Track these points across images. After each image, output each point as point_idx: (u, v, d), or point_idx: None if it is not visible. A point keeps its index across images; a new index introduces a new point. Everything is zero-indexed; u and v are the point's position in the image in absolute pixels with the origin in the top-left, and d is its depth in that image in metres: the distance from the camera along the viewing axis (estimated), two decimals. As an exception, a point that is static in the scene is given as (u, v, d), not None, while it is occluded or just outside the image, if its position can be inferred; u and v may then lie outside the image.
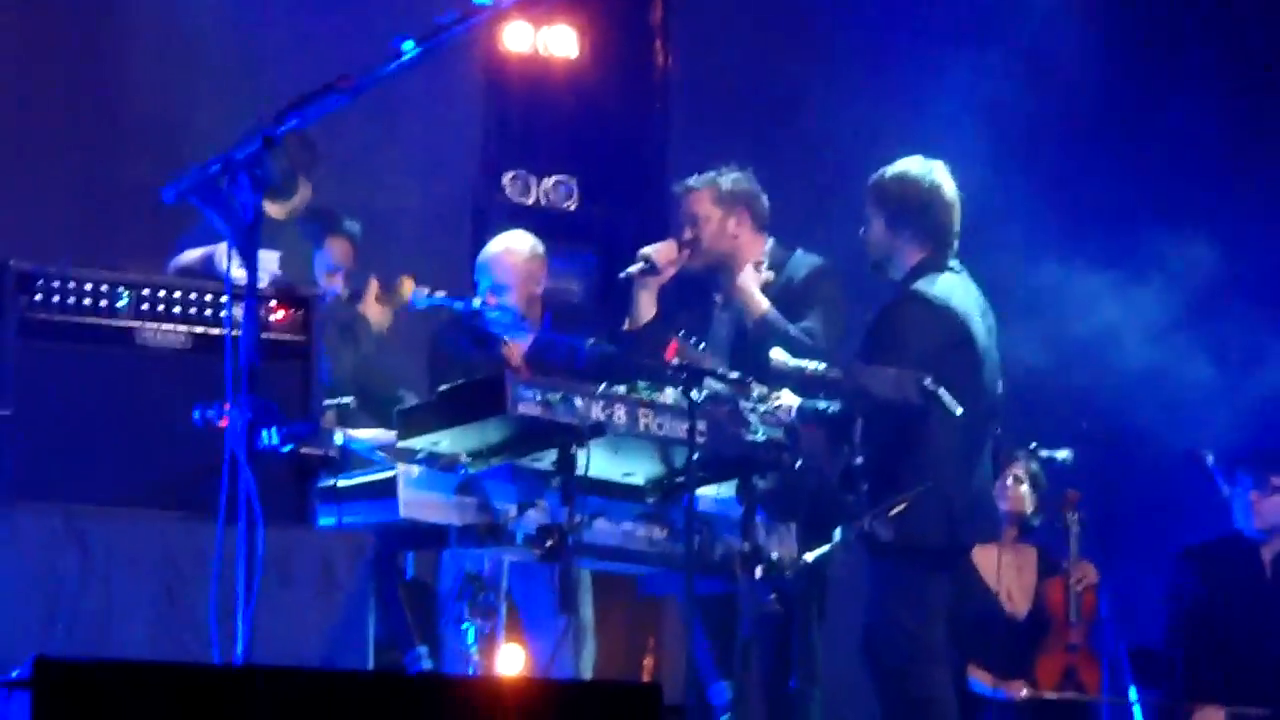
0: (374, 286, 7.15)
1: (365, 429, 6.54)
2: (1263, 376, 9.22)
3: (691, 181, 7.61)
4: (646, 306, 7.51)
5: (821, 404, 6.69)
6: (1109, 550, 8.39)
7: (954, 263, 6.86)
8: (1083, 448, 8.16)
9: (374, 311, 7.15)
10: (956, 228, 6.87)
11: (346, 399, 6.94)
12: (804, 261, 7.51)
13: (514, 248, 7.66)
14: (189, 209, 4.90)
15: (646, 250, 7.52)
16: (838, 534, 6.84)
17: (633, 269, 7.49)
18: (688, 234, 7.54)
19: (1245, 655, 8.33)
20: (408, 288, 7.17)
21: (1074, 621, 8.42)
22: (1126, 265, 9.36)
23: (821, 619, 7.07)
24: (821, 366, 6.79)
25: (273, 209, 6.96)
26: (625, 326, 7.50)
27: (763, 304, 7.35)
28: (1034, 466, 8.41)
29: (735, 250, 7.48)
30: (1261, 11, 9.87)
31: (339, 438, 6.24)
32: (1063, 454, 8.05)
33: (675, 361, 6.30)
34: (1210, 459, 8.46)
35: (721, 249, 7.48)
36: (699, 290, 7.62)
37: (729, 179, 7.57)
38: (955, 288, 6.78)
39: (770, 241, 7.55)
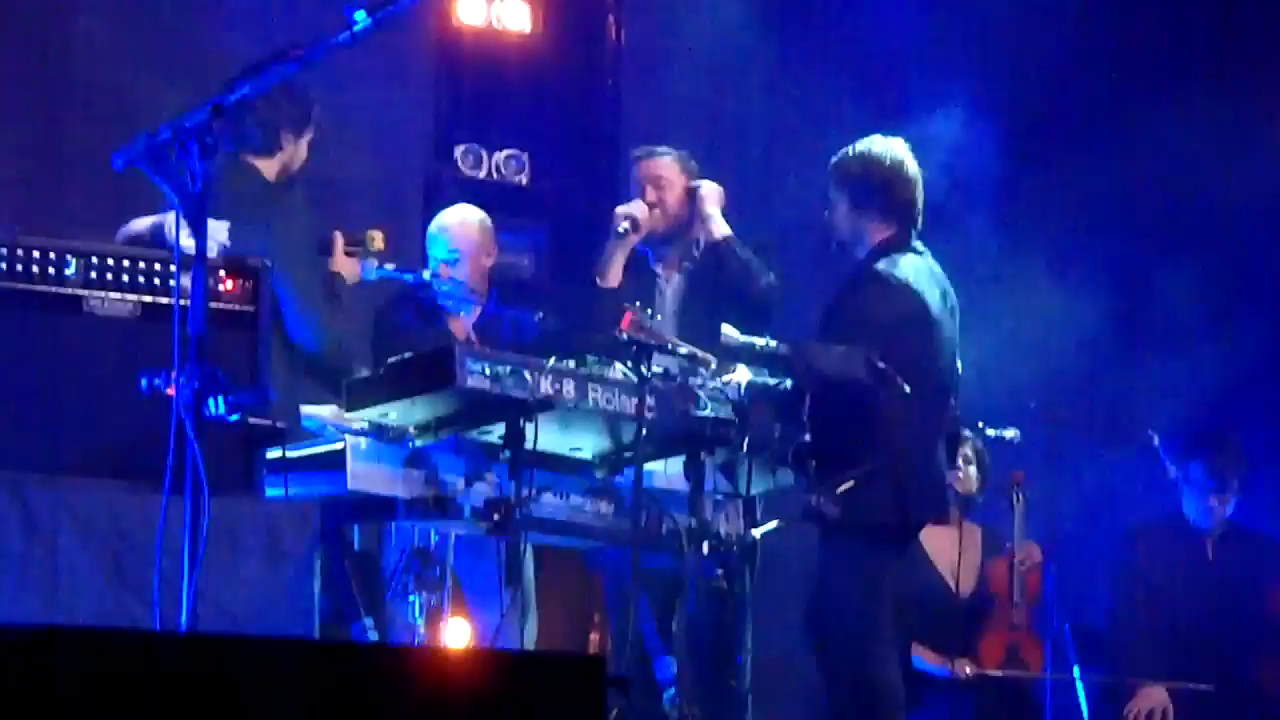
0: (339, 241, 7.09)
1: (320, 406, 6.51)
2: (1208, 358, 9.28)
3: (655, 148, 7.79)
4: (619, 266, 7.60)
5: (771, 381, 6.70)
6: (1054, 530, 8.42)
7: (918, 243, 6.87)
8: (1029, 427, 8.19)
9: (345, 267, 7.10)
10: (920, 205, 6.88)
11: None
12: None
13: (468, 219, 7.71)
14: (142, 177, 4.89)
15: (629, 210, 7.60)
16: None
17: (622, 227, 7.55)
18: (651, 195, 7.65)
19: (1188, 635, 8.38)
20: (378, 240, 7.13)
21: (1018, 601, 8.45)
22: (1077, 251, 9.42)
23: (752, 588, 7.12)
24: (771, 343, 6.81)
25: (262, 166, 6.92)
26: (599, 283, 7.57)
27: (725, 228, 7.55)
28: (979, 445, 8.43)
29: (685, 222, 7.61)
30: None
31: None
32: (1010, 433, 8.07)
33: (629, 334, 6.29)
34: (1157, 440, 8.50)
35: (679, 217, 7.61)
36: (641, 263, 7.70)
37: (685, 154, 7.74)
38: (915, 267, 6.79)
39: None
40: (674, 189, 7.69)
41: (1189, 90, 9.53)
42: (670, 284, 7.70)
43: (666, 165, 7.74)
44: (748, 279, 7.45)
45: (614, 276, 7.63)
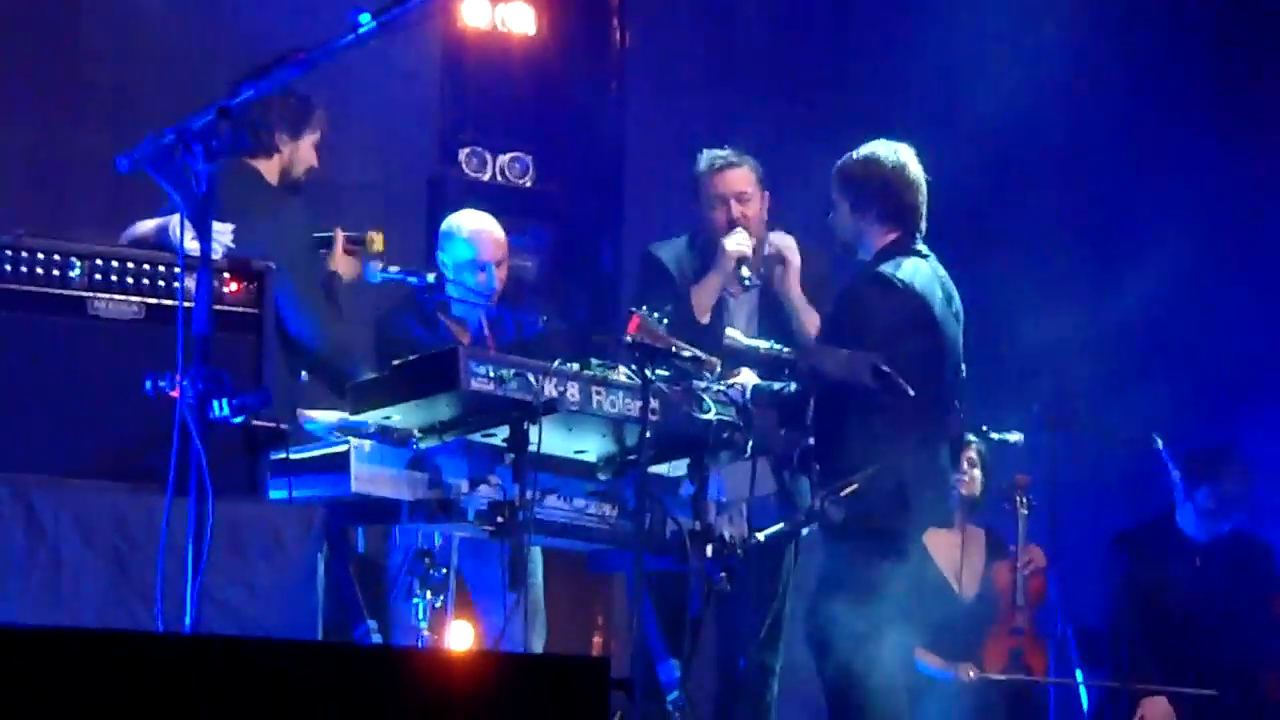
0: (340, 238, 7.09)
1: (321, 410, 6.51)
2: (1207, 362, 9.30)
3: (731, 157, 7.52)
4: (713, 294, 7.45)
5: (776, 385, 6.71)
6: (1057, 533, 8.43)
7: (921, 245, 6.87)
8: (1033, 430, 8.19)
9: (344, 266, 7.10)
10: (923, 209, 6.87)
11: (302, 373, 6.92)
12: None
13: (494, 229, 7.59)
14: (147, 179, 4.89)
15: (740, 249, 7.36)
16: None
17: (746, 277, 7.35)
18: (736, 210, 7.46)
19: (1184, 638, 8.37)
20: (378, 242, 7.13)
21: (1021, 605, 8.46)
22: (1082, 255, 9.43)
23: (784, 596, 7.15)
24: (775, 346, 6.82)
25: (263, 168, 6.92)
26: (699, 317, 7.36)
27: (816, 318, 7.33)
28: (982, 449, 8.44)
29: (763, 235, 7.45)
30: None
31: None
32: (1014, 437, 8.08)
33: (635, 338, 6.28)
34: (1160, 443, 8.50)
35: (760, 231, 7.46)
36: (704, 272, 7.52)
37: (754, 159, 7.54)
38: (920, 270, 6.79)
39: None
40: (755, 201, 7.47)
41: (1184, 108, 9.60)
42: (739, 300, 7.54)
43: (746, 177, 7.49)
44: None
45: (707, 305, 7.41)
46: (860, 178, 6.87)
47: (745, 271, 7.36)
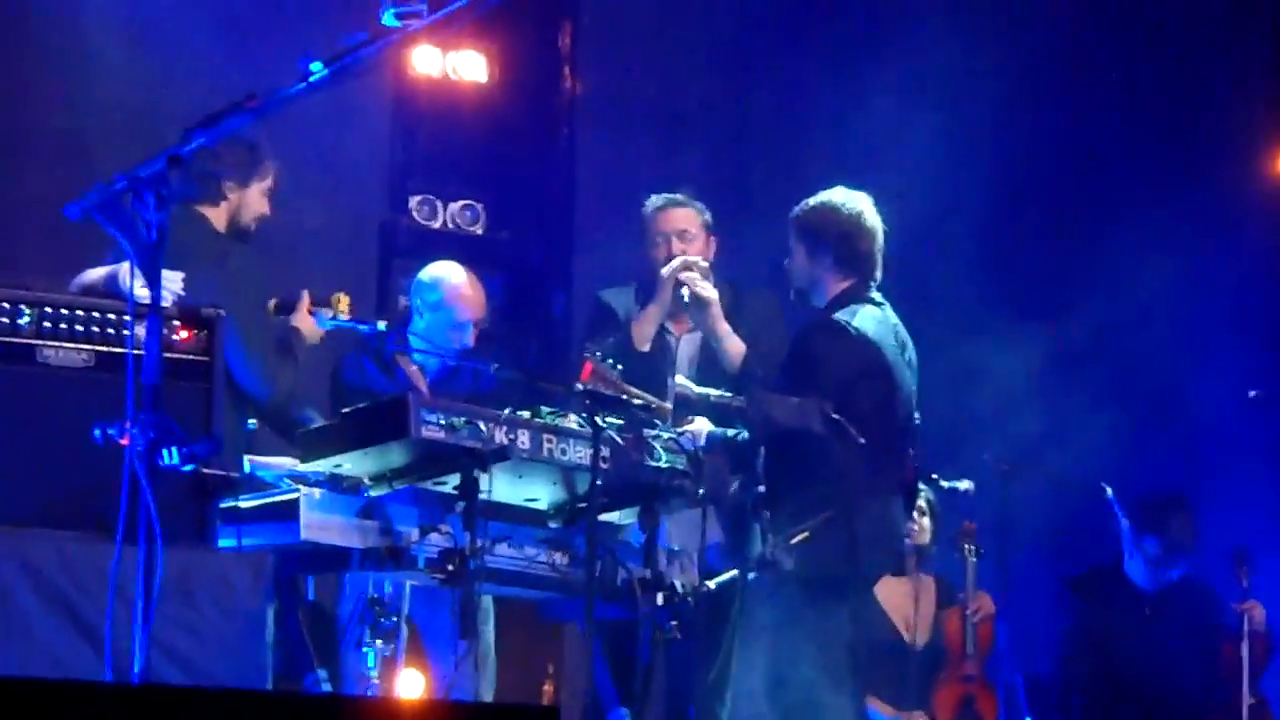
0: (306, 300, 7.09)
1: (272, 456, 6.49)
2: (1156, 410, 9.34)
3: (677, 198, 7.59)
4: (653, 324, 7.46)
5: (730, 432, 6.72)
6: (1007, 581, 8.45)
7: (876, 294, 6.88)
8: (983, 478, 8.22)
9: (307, 325, 7.08)
10: (878, 257, 6.89)
11: (250, 420, 6.89)
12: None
13: (477, 284, 7.60)
14: (95, 227, 4.88)
15: (690, 275, 7.37)
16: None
17: (691, 295, 7.33)
18: (677, 247, 7.49)
19: (1133, 686, 8.39)
20: (343, 303, 7.12)
21: (970, 652, 8.47)
22: (1026, 302, 9.47)
23: (732, 644, 7.13)
24: (726, 394, 6.83)
25: (211, 215, 6.90)
26: (636, 347, 7.39)
27: (740, 345, 7.32)
28: (931, 497, 8.46)
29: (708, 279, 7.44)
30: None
31: (246, 465, 6.21)
32: (964, 485, 8.10)
33: (588, 385, 6.29)
34: (1110, 492, 8.53)
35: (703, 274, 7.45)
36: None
37: (700, 203, 7.58)
38: (873, 318, 6.80)
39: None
40: (697, 241, 7.51)
41: (1128, 151, 9.67)
42: (683, 342, 7.56)
43: (690, 217, 7.55)
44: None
45: (649, 341, 7.45)
46: (817, 224, 6.89)
47: (699, 293, 7.28)
